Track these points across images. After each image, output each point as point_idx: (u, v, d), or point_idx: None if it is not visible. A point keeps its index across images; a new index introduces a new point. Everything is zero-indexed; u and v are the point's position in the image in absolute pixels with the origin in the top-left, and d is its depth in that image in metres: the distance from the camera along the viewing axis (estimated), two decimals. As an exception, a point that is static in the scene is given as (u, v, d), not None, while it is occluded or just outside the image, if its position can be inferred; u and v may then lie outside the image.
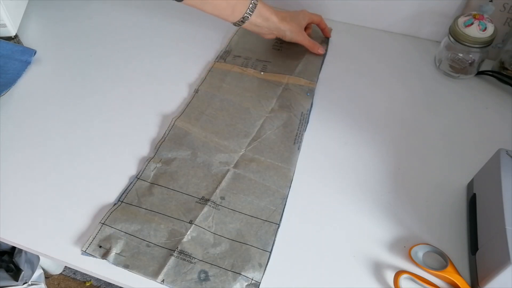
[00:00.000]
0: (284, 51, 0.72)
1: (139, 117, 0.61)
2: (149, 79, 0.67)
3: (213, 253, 0.47)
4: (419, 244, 0.48)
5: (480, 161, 0.51)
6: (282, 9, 0.70)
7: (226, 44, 0.73)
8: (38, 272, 1.07)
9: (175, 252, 0.46)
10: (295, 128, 0.59)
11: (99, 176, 0.54)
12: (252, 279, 0.45)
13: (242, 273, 0.45)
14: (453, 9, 0.70)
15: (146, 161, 0.55)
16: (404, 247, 0.48)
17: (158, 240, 0.47)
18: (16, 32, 0.73)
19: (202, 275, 0.45)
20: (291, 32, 0.67)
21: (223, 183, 0.53)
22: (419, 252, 0.47)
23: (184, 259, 0.46)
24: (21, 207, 0.51)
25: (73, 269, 1.24)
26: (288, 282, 0.46)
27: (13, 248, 0.98)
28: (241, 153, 0.56)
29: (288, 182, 0.53)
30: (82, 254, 0.46)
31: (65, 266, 1.23)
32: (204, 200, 0.51)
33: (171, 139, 0.57)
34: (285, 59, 0.70)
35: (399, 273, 0.45)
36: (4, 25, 0.70)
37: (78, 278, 1.23)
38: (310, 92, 0.65)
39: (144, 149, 0.57)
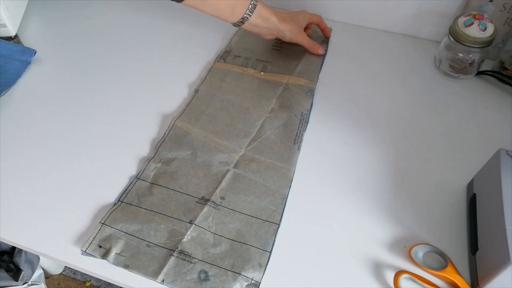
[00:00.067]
0: (284, 51, 0.72)
1: (139, 117, 0.61)
2: (149, 79, 0.67)
3: (213, 253, 0.47)
4: (419, 244, 0.48)
5: (480, 161, 0.51)
6: (282, 9, 0.70)
7: (226, 44, 0.73)
8: (38, 272, 1.07)
9: (175, 252, 0.46)
10: (295, 128, 0.59)
11: (99, 176, 0.54)
12: (252, 279, 0.45)
13: (242, 273, 0.45)
14: (453, 9, 0.70)
15: (146, 161, 0.55)
16: (404, 247, 0.48)
17: (158, 240, 0.47)
18: (16, 32, 0.73)
19: (202, 275, 0.45)
20: (291, 33, 0.67)
21: (223, 183, 0.53)
22: (419, 252, 0.47)
23: (184, 259, 0.46)
24: (21, 207, 0.51)
25: (73, 269, 1.24)
26: (288, 282, 0.46)
27: (13, 248, 0.98)
28: (241, 153, 0.56)
29: (288, 182, 0.53)
30: (82, 254, 0.46)
31: (65, 266, 1.23)
32: (204, 200, 0.51)
33: (171, 139, 0.57)
34: (285, 59, 0.70)
35: (399, 273, 0.45)
36: (4, 25, 0.70)
37: (78, 278, 1.23)
38: (310, 92, 0.65)
39: (144, 149, 0.57)
